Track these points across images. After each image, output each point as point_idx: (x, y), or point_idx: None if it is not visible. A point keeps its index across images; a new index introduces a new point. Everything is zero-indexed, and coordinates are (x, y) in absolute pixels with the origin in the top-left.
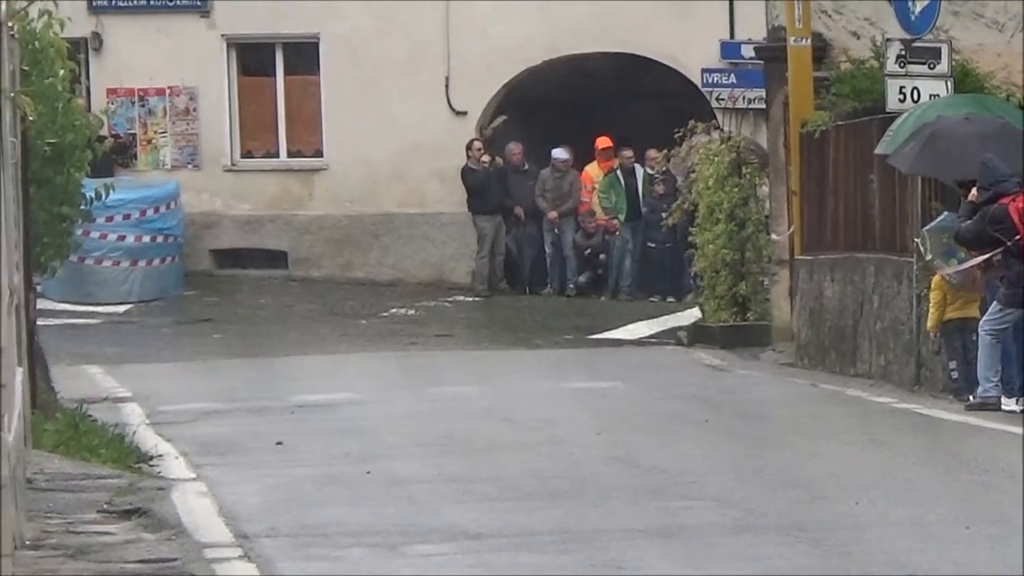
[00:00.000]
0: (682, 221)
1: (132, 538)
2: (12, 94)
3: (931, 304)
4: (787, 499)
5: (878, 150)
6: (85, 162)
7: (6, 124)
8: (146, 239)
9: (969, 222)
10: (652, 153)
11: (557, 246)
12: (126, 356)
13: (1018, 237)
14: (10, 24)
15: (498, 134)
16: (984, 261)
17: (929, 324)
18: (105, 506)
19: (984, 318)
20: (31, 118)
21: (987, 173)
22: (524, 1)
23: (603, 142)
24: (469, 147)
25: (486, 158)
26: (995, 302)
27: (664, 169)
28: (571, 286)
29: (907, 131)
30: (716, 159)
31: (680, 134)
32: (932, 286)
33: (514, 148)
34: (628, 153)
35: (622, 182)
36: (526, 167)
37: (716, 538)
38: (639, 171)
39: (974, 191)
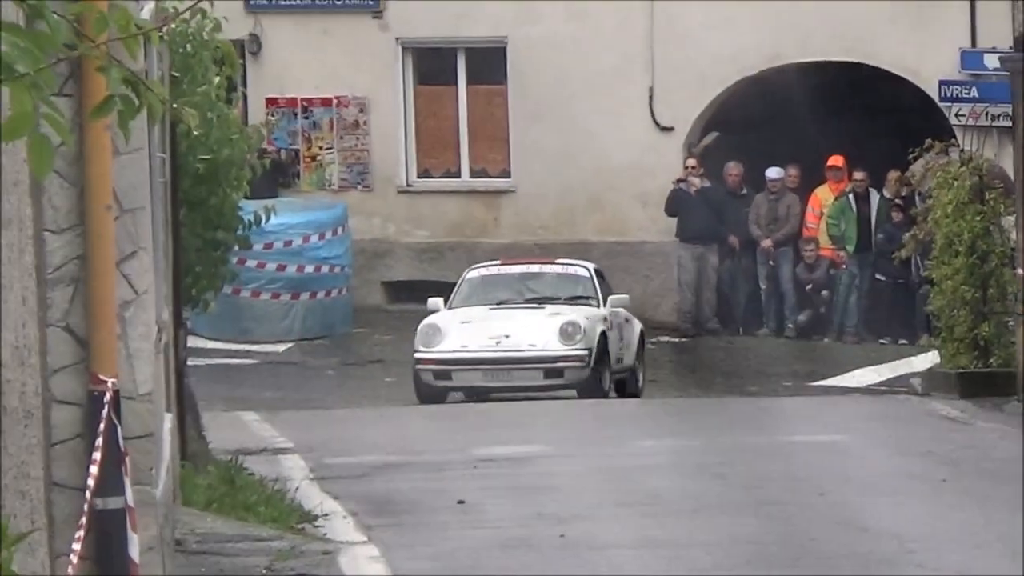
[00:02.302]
0: (917, 254)
1: None
2: (174, 105)
3: None
4: None
5: None
6: (243, 181)
7: (154, 139)
8: (309, 269)
9: None
10: (893, 175)
11: (773, 280)
12: (287, 401)
13: None
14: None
15: (709, 153)
16: None
17: None
18: (265, 572)
19: None
20: (194, 132)
21: None
22: (741, 1)
23: (835, 160)
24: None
25: (697, 180)
26: None
27: (902, 194)
28: (790, 326)
29: None
30: (955, 183)
31: (915, 155)
32: None
33: (732, 169)
34: (861, 175)
35: (854, 208)
36: (743, 191)
37: None
38: (873, 196)
39: None
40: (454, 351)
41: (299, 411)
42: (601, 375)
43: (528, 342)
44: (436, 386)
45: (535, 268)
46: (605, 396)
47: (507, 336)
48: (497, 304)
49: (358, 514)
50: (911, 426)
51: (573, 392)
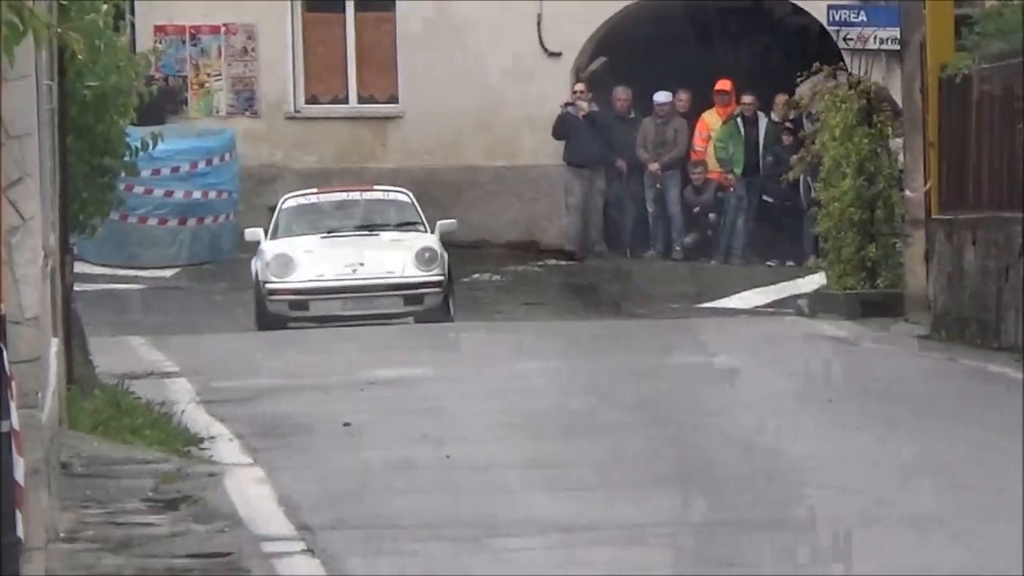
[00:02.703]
0: (805, 176)
1: (180, 530)
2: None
3: None
4: (921, 488)
5: None
6: (130, 108)
7: (42, 66)
8: (197, 195)
9: None
10: (780, 98)
11: (660, 203)
12: (173, 326)
13: None
14: None
15: (597, 78)
16: None
17: None
18: (150, 494)
19: None
20: (79, 57)
21: None
22: None
23: (723, 84)
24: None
25: (585, 104)
26: None
27: (790, 117)
28: (677, 248)
29: None
30: (843, 106)
31: (803, 78)
32: None
33: (620, 93)
34: (749, 99)
35: (742, 131)
36: (631, 115)
37: (841, 531)
38: (761, 120)
39: None
40: (310, 280)
41: (185, 335)
42: (449, 301)
43: (386, 269)
44: (289, 316)
45: (355, 195)
46: (452, 321)
47: (362, 264)
48: (328, 233)
49: (244, 437)
50: (798, 347)
51: (411, 320)
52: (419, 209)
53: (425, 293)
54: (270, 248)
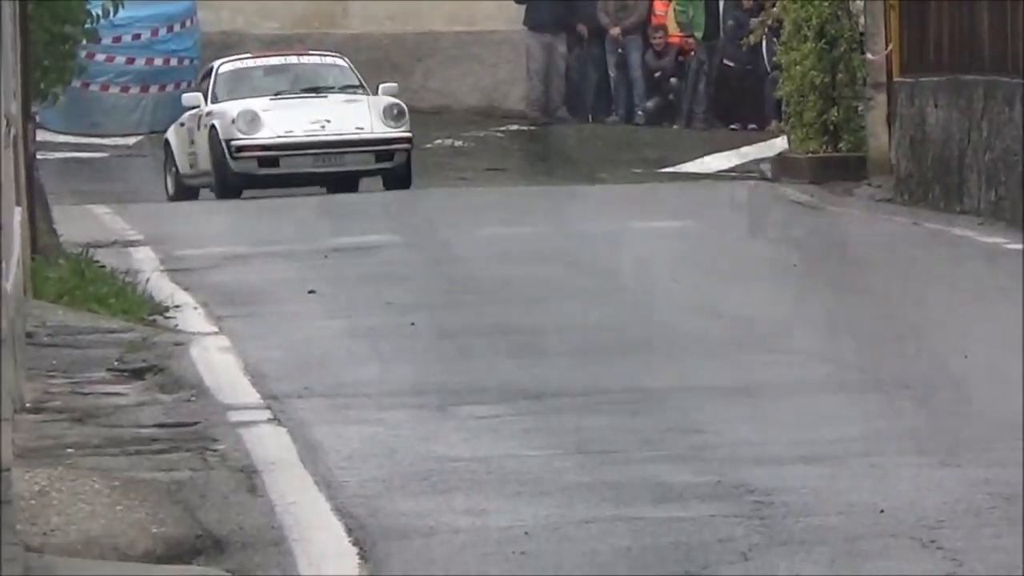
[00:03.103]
0: (765, 39)
1: (146, 399)
2: None
3: None
4: (887, 352)
5: None
6: None
7: None
8: (158, 62)
9: None
10: None
11: (622, 67)
12: (137, 194)
13: None
14: None
15: None
16: None
17: None
18: (115, 363)
19: None
20: None
21: None
22: None
23: None
24: None
25: None
26: None
27: None
28: (639, 113)
29: None
30: None
31: None
32: None
33: None
34: None
35: None
36: None
37: (806, 397)
38: None
39: None
40: (280, 136)
41: (149, 204)
42: (410, 161)
43: (355, 125)
44: (258, 174)
45: (292, 59)
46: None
47: (329, 121)
48: (276, 95)
49: (209, 305)
50: (761, 211)
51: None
52: (357, 73)
53: (396, 149)
54: (229, 107)
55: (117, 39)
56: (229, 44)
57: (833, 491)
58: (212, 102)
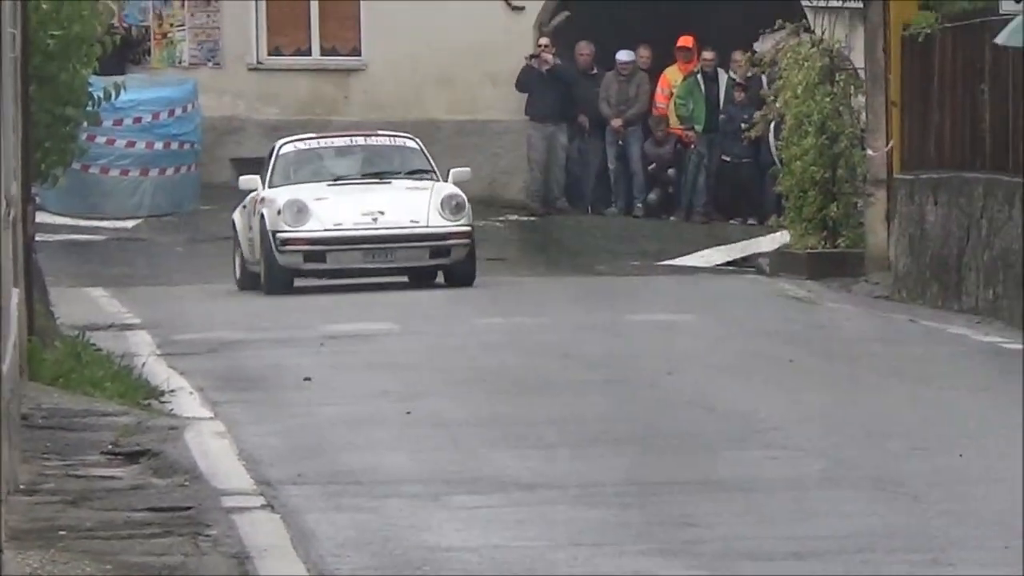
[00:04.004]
0: (766, 134)
1: (140, 483)
2: None
3: None
4: (881, 450)
5: (999, 39)
6: (93, 58)
7: (5, 14)
8: (159, 146)
9: None
10: (737, 56)
11: (623, 159)
12: (134, 278)
13: None
14: None
15: (560, 32)
16: None
17: None
18: (110, 447)
19: None
20: (43, 5)
21: None
22: None
23: (685, 41)
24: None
25: (550, 57)
26: None
27: (749, 75)
28: (639, 205)
29: None
30: (806, 64)
31: (764, 34)
32: None
33: (583, 48)
34: (709, 56)
35: (702, 88)
36: (594, 71)
37: (800, 492)
38: (722, 77)
39: None
40: (327, 229)
41: (147, 287)
42: (474, 256)
43: (409, 218)
44: (303, 269)
45: (359, 140)
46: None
47: (382, 212)
48: (335, 180)
49: (204, 390)
50: (759, 306)
51: (405, 277)
52: (428, 156)
53: (452, 245)
54: (279, 194)
55: (118, 122)
56: (230, 129)
57: None
58: (268, 186)
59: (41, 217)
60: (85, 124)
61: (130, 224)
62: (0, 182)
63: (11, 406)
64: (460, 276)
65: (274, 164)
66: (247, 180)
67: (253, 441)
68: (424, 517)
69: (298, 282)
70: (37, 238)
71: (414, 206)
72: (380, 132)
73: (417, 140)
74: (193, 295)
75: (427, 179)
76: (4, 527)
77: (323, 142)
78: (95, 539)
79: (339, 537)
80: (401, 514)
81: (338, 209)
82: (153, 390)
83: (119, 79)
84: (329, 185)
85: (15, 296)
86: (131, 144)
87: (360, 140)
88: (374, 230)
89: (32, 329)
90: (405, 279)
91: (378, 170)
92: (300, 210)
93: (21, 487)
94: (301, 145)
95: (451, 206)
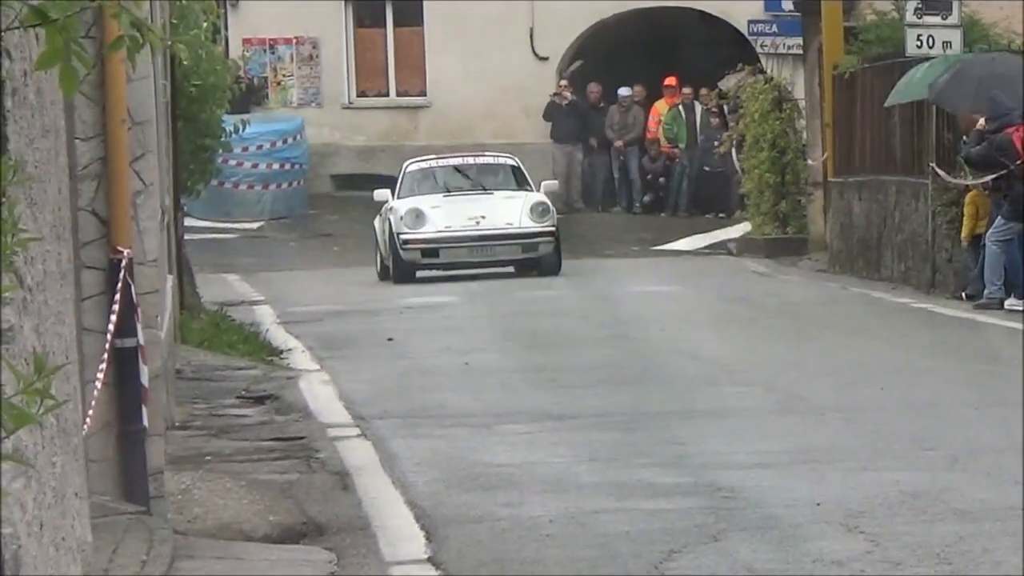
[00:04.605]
0: (731, 150)
1: (265, 420)
2: (168, 43)
3: (965, 217)
4: (822, 385)
5: (888, 103)
6: (225, 101)
7: (158, 69)
8: (275, 166)
9: (978, 148)
10: (704, 92)
11: (624, 171)
12: (259, 265)
13: (1020, 162)
14: None
15: (576, 76)
16: (991, 181)
17: (963, 234)
18: (242, 393)
19: (990, 230)
20: (185, 63)
21: (994, 107)
22: None
23: (670, 80)
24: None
25: (568, 95)
26: (999, 217)
27: (717, 105)
28: (637, 205)
29: (916, 82)
30: (760, 97)
31: (727, 74)
32: (967, 201)
33: (593, 88)
34: (688, 91)
35: (683, 116)
36: (601, 105)
37: (763, 418)
38: (697, 107)
39: (982, 121)
40: (439, 231)
41: (268, 272)
42: (560, 250)
43: (504, 221)
44: (421, 263)
45: (470, 160)
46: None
47: (483, 217)
48: (448, 192)
49: (313, 348)
50: (728, 279)
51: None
52: (525, 171)
53: (539, 242)
54: (403, 204)
55: (245, 148)
56: (328, 153)
57: (781, 489)
58: (396, 197)
59: (189, 222)
60: (220, 151)
61: (255, 225)
62: (158, 195)
63: (168, 363)
64: (547, 267)
65: (402, 180)
66: (380, 193)
67: (349, 387)
68: (480, 441)
69: (420, 274)
70: (185, 237)
71: (509, 211)
72: (486, 153)
73: (515, 159)
74: (303, 278)
75: (522, 190)
76: (164, 454)
77: (440, 162)
78: (232, 462)
79: (416, 458)
80: (462, 439)
81: (448, 215)
82: (274, 350)
83: (245, 117)
84: (443, 196)
85: (169, 281)
86: (255, 165)
87: (470, 160)
88: (477, 231)
89: (183, 305)
90: (511, 269)
91: (483, 183)
92: (418, 216)
93: (176, 424)
94: (423, 165)
95: (539, 211)
